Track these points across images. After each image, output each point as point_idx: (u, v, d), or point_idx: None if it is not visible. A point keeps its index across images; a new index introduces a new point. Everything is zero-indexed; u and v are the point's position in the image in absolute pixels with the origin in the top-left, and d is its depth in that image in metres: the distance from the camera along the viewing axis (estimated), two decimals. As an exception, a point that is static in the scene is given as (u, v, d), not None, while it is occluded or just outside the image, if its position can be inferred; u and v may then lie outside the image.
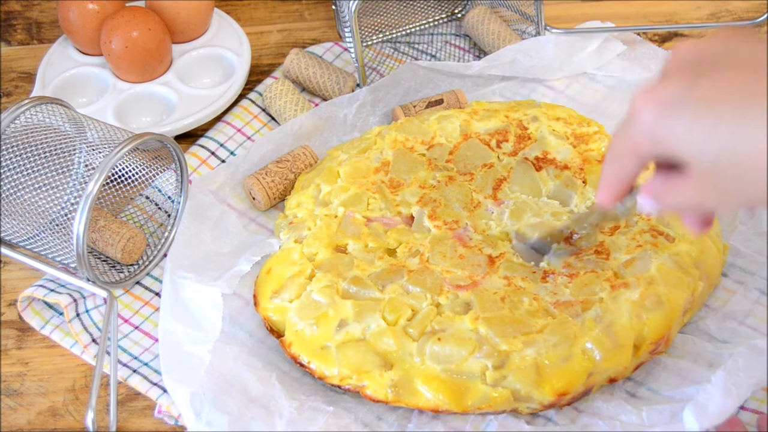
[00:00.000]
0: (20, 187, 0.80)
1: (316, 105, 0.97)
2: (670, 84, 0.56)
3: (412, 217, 0.84)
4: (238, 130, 0.95)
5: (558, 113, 0.91)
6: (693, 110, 0.55)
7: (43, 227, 0.81)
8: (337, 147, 0.91)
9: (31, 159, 0.80)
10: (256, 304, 0.80)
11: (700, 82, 0.55)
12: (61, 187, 0.81)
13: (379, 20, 1.04)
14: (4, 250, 0.83)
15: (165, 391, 0.76)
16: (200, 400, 0.73)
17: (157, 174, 0.88)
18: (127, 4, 0.99)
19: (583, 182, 0.85)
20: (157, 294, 0.84)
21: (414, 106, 0.94)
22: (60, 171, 0.81)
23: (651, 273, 0.77)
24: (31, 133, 0.81)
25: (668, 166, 0.59)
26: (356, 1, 0.91)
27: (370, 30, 1.04)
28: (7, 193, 0.80)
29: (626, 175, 0.62)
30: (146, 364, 0.79)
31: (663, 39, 1.04)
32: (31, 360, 0.81)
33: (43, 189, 0.80)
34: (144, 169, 0.87)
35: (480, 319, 0.75)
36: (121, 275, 0.84)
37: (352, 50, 0.95)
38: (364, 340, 0.75)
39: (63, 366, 0.80)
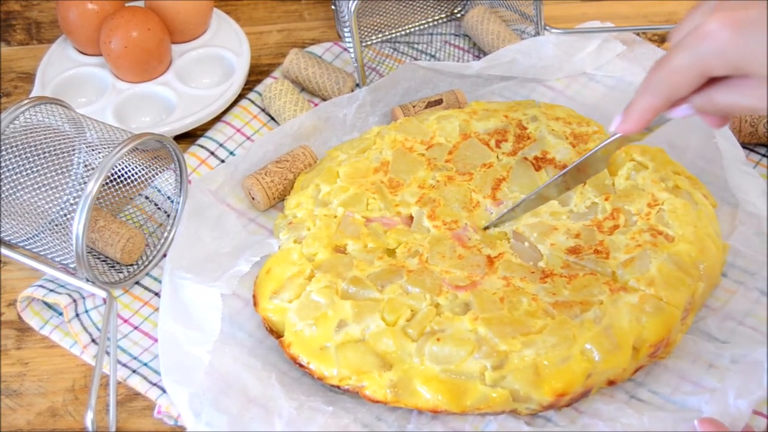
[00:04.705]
0: (20, 187, 0.80)
1: (316, 105, 0.97)
2: (750, 7, 0.61)
3: (412, 218, 0.84)
4: (238, 130, 0.95)
5: (557, 113, 0.91)
6: None
7: (43, 227, 0.81)
8: (337, 147, 0.91)
9: (31, 159, 0.80)
10: (255, 304, 0.80)
11: None
12: (60, 188, 0.81)
13: (378, 20, 1.04)
14: (4, 251, 0.83)
15: (164, 391, 0.76)
16: (199, 400, 0.73)
17: (157, 174, 0.88)
18: (127, 4, 0.99)
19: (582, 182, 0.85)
20: (157, 294, 0.84)
21: (413, 106, 0.94)
22: (59, 171, 0.81)
23: (651, 274, 0.77)
24: (31, 133, 0.81)
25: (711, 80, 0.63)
26: (356, 1, 0.91)
27: (369, 30, 1.04)
28: (7, 194, 0.80)
29: (674, 96, 0.65)
30: (146, 365, 0.79)
31: (662, 39, 1.04)
32: (31, 360, 0.81)
33: (43, 189, 0.80)
34: (143, 170, 0.87)
35: (479, 320, 0.75)
36: (121, 275, 0.84)
37: (351, 50, 0.95)
38: (363, 341, 0.75)
39: (62, 366, 0.80)
